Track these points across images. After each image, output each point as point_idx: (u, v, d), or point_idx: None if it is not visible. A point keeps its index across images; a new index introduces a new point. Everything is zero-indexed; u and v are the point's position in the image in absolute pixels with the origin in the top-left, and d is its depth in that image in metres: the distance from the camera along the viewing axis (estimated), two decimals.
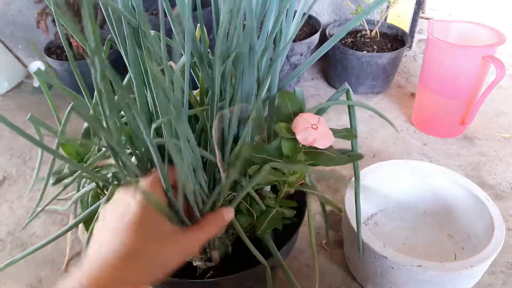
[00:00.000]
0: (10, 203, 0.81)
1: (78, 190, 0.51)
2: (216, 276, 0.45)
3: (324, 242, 0.69)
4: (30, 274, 0.66)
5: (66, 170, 0.45)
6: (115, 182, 0.43)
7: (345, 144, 0.45)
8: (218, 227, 0.39)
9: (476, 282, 0.56)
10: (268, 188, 0.51)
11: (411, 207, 0.72)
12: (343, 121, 1.01)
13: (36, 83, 1.17)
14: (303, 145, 0.41)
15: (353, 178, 0.52)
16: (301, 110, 0.43)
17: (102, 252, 0.31)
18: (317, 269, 0.52)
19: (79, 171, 0.44)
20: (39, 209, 0.48)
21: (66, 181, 0.45)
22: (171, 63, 0.37)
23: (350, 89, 0.46)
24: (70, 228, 0.45)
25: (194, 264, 0.47)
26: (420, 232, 0.69)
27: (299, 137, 0.39)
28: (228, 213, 0.40)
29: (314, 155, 0.41)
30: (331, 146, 0.41)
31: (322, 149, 0.41)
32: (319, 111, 0.48)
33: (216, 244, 0.45)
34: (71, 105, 0.42)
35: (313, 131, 0.39)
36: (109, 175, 0.44)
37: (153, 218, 0.34)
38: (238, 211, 0.46)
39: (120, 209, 0.34)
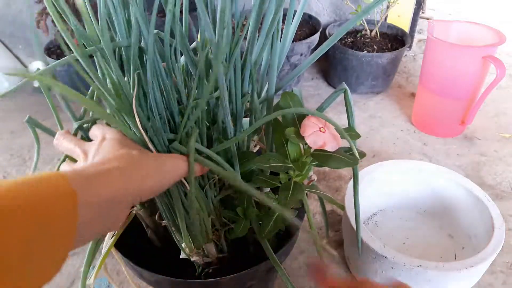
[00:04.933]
0: None
1: None
2: (215, 276, 0.45)
3: (324, 242, 0.69)
4: None
5: None
6: None
7: (342, 143, 0.45)
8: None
9: (476, 282, 0.56)
10: (267, 189, 0.51)
11: (411, 207, 0.72)
12: (343, 121, 1.01)
13: (36, 83, 1.17)
14: (309, 147, 0.41)
15: (353, 178, 0.52)
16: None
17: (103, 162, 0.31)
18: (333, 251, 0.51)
19: None
20: None
21: None
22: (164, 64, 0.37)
23: (348, 90, 0.46)
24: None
25: (192, 259, 0.46)
26: (420, 232, 0.69)
27: (308, 141, 0.39)
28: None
29: (322, 158, 0.41)
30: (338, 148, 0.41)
31: (330, 152, 0.40)
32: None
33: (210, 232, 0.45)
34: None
35: (322, 134, 0.39)
36: None
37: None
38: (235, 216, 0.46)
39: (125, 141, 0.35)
